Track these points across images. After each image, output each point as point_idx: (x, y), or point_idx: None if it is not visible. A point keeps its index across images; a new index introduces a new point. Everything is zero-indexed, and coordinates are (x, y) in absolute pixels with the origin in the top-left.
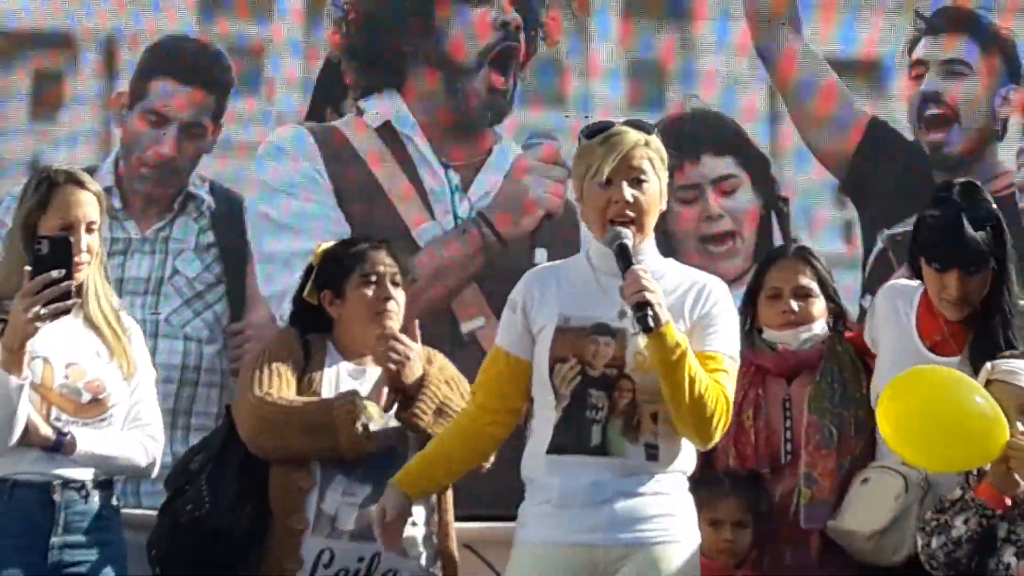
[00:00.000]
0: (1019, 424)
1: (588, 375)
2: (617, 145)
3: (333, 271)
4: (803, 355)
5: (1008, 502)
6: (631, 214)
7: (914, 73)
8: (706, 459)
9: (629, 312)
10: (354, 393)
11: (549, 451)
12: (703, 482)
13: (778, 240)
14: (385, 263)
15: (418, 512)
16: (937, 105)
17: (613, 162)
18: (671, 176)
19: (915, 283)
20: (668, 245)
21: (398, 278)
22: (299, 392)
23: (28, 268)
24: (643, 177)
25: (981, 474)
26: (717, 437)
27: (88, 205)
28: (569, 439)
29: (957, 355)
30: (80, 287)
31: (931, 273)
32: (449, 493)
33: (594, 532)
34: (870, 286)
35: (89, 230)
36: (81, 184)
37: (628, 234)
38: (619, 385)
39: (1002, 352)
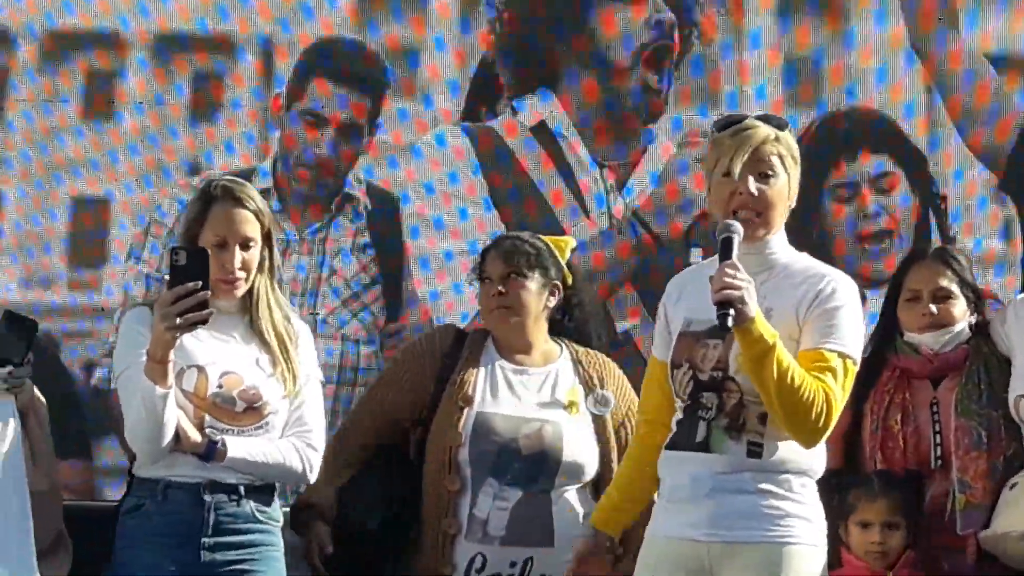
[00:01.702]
0: None
1: (699, 378)
2: (747, 139)
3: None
4: (948, 357)
5: None
6: (755, 208)
7: None
8: (855, 465)
9: None
10: None
11: (666, 447)
12: (851, 485)
13: (935, 239)
14: (497, 265)
15: (576, 517)
16: None
17: (742, 155)
18: (826, 174)
19: None
20: (823, 243)
21: (514, 275)
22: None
23: (166, 277)
24: (770, 172)
25: None
26: (820, 437)
27: (245, 223)
28: (680, 437)
29: None
30: (248, 297)
31: None
32: None
33: (696, 527)
34: None
35: (245, 247)
36: (239, 201)
37: (738, 229)
38: (726, 387)
39: None
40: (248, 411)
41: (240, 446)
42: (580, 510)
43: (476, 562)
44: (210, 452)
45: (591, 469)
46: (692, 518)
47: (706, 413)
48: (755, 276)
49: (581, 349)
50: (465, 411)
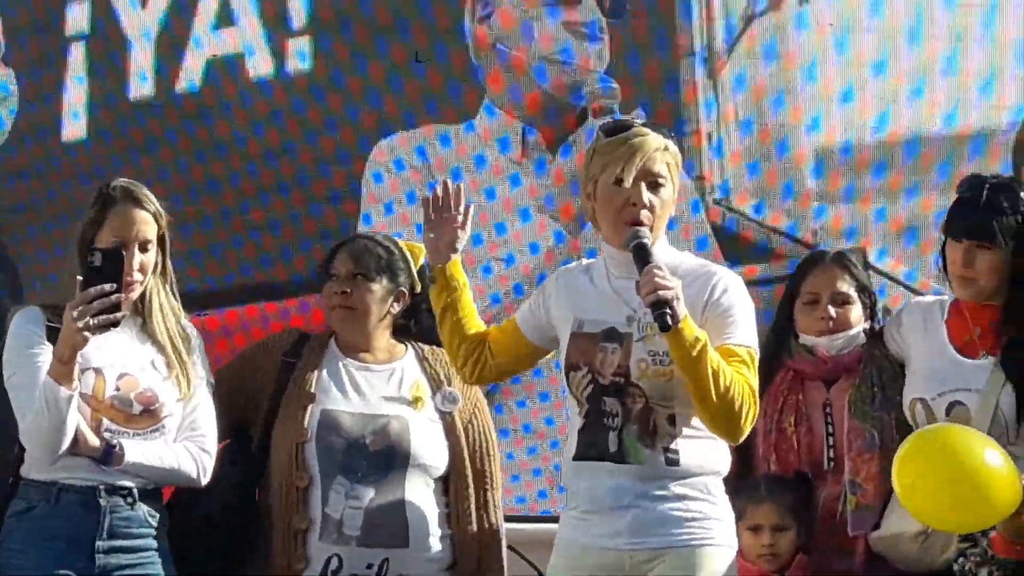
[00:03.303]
0: None
1: (599, 383)
2: (639, 147)
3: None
4: (842, 359)
5: None
6: (648, 218)
7: None
8: (747, 467)
9: (639, 318)
10: None
11: (575, 458)
12: (740, 490)
13: None
14: (345, 264)
15: (430, 516)
16: None
17: (635, 164)
18: None
19: (945, 296)
20: None
21: (360, 276)
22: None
23: (79, 279)
24: (661, 181)
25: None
26: (747, 430)
27: (144, 224)
28: (590, 446)
29: (987, 357)
30: (141, 300)
31: (948, 247)
32: (499, 497)
33: (618, 537)
34: None
35: (144, 249)
36: (138, 202)
37: (646, 233)
38: (629, 392)
39: None
40: (144, 414)
41: (137, 450)
42: (434, 509)
43: (332, 563)
44: (107, 456)
45: (441, 465)
46: (614, 528)
47: (612, 421)
48: None
49: (427, 347)
50: (309, 408)
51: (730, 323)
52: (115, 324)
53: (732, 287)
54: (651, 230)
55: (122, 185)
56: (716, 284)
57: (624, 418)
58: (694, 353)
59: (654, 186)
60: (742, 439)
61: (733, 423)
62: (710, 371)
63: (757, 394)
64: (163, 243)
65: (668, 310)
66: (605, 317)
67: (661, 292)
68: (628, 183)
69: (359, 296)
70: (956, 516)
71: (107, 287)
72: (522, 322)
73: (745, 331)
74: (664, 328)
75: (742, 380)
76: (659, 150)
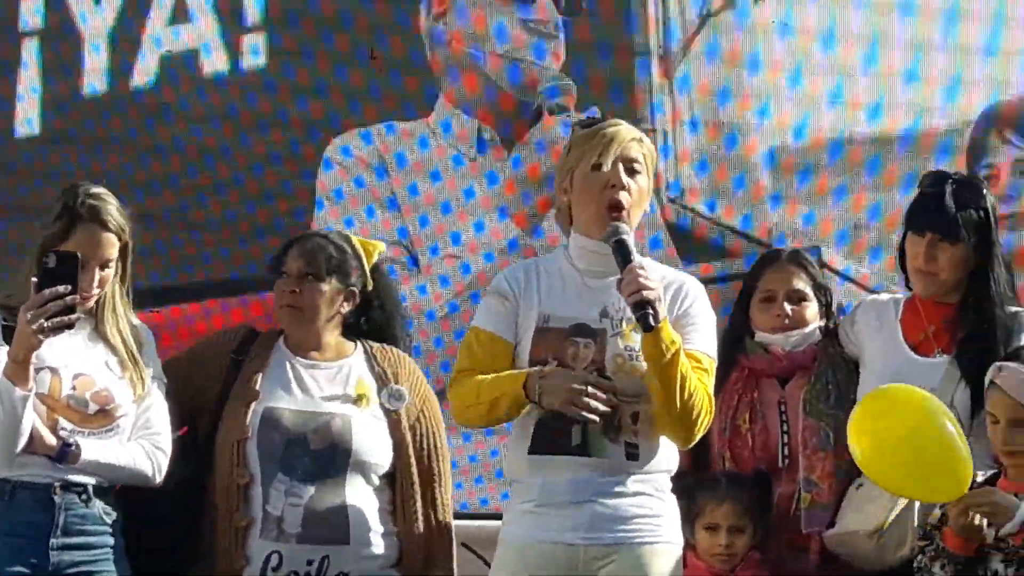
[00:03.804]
0: (1007, 435)
1: None
2: (615, 135)
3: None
4: (796, 357)
5: (975, 547)
6: (627, 200)
7: None
8: (702, 464)
9: (613, 314)
10: None
11: (531, 452)
12: (700, 485)
13: None
14: (297, 263)
15: (372, 513)
16: None
17: (613, 150)
18: None
19: (899, 295)
20: None
21: (311, 275)
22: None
23: (35, 280)
24: (638, 168)
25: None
26: (698, 437)
27: (108, 246)
28: (549, 440)
29: (942, 355)
30: (96, 302)
31: (909, 241)
32: (449, 495)
33: (575, 531)
34: None
35: (104, 267)
36: (104, 225)
37: (627, 229)
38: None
39: (997, 350)
40: (99, 413)
41: (93, 448)
42: (375, 505)
43: (272, 560)
44: (64, 454)
45: (384, 463)
46: (571, 522)
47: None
48: (616, 275)
49: (376, 345)
50: (252, 405)
51: (694, 330)
52: (69, 326)
53: (700, 297)
54: (628, 216)
55: (89, 204)
56: (686, 293)
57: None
58: (668, 356)
59: (631, 172)
60: (690, 445)
61: (689, 429)
62: (679, 375)
63: (714, 403)
64: (125, 251)
65: (651, 310)
66: (573, 312)
67: (645, 292)
68: (607, 167)
69: (308, 296)
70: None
71: (61, 289)
72: (504, 331)
73: (707, 339)
74: (647, 329)
75: (703, 388)
76: (635, 140)
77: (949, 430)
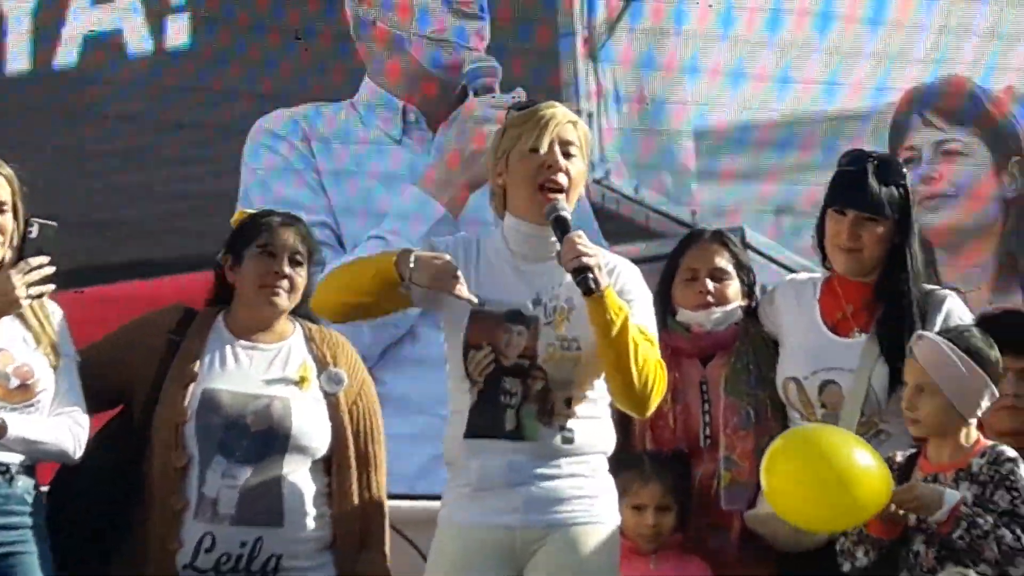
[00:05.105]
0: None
1: (501, 364)
2: (551, 117)
3: (238, 236)
4: (717, 336)
5: (899, 531)
6: (564, 180)
7: None
8: (625, 443)
9: (546, 302)
10: None
11: (466, 435)
12: (624, 465)
13: None
14: (289, 239)
15: (307, 495)
16: None
17: (549, 131)
18: None
19: (817, 275)
20: None
21: (300, 258)
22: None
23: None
24: (573, 151)
25: None
26: (654, 405)
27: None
28: (485, 423)
29: (860, 335)
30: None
31: (830, 220)
32: (383, 478)
33: (512, 514)
34: None
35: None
36: None
37: (565, 205)
38: (532, 374)
39: (915, 328)
40: (20, 388)
41: (18, 424)
42: (311, 488)
43: (205, 542)
44: None
45: (322, 445)
46: (506, 505)
47: (510, 399)
48: (549, 260)
49: (315, 327)
50: (191, 387)
51: (633, 306)
52: (41, 295)
53: (634, 276)
54: (567, 198)
55: None
56: (619, 272)
57: (523, 397)
58: (619, 322)
59: (567, 155)
60: (648, 414)
61: (645, 396)
62: (631, 341)
63: (665, 371)
64: (16, 212)
65: (591, 275)
66: (507, 297)
67: (584, 259)
68: (543, 149)
69: (299, 281)
70: (823, 515)
71: (43, 258)
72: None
73: (646, 316)
74: (587, 292)
75: (653, 356)
76: (571, 122)
77: (851, 467)
